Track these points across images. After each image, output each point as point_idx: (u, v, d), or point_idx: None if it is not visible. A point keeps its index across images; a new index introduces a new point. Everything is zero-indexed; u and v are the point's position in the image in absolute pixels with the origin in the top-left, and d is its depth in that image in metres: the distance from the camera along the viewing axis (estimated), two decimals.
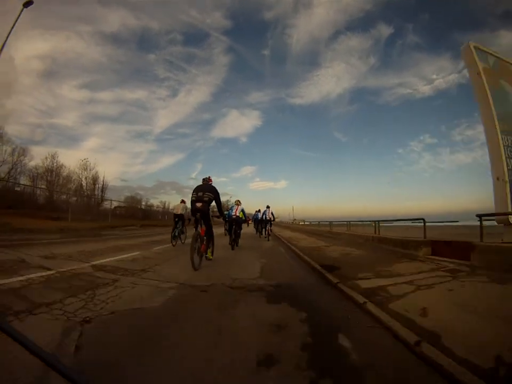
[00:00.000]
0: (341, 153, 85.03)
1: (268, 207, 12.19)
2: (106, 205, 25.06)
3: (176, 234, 7.85)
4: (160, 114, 75.48)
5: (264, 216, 12.21)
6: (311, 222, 32.14)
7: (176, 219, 8.09)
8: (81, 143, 65.92)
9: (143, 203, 31.78)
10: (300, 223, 39.26)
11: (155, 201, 56.73)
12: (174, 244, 7.62)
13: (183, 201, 8.60)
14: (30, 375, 1.20)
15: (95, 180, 26.06)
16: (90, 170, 25.57)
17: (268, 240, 11.10)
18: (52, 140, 48.99)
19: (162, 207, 35.90)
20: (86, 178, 25.51)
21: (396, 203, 79.71)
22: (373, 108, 72.52)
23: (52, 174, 23.06)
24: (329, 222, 15.93)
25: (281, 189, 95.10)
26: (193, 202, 4.72)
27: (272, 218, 12.03)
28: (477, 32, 58.37)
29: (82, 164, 25.43)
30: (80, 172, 25.24)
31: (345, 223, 14.66)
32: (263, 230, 12.56)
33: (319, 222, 24.27)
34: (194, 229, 4.69)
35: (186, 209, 8.28)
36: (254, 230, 14.45)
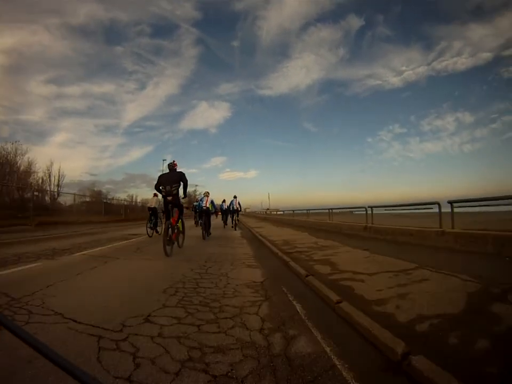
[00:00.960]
0: (311, 143, 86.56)
1: (235, 197, 11.77)
2: (67, 199, 21.54)
3: (152, 225, 8.44)
4: (129, 107, 72.21)
5: (231, 207, 11.78)
6: (284, 211, 27.46)
7: (150, 212, 8.62)
8: (49, 138, 64.51)
9: (104, 197, 27.48)
10: (275, 212, 35.54)
11: (123, 195, 52.63)
12: (150, 234, 8.23)
13: (155, 195, 8.89)
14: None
15: (30, 165, 21.69)
16: (22, 155, 21.05)
17: (235, 229, 11.25)
18: (19, 136, 46.99)
19: (130, 200, 32.24)
20: (18, 165, 21.04)
21: (367, 191, 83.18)
22: (342, 98, 74.71)
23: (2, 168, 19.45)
24: (355, 208, 10.41)
25: (251, 178, 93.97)
26: (164, 197, 5.10)
27: (239, 209, 11.84)
28: (447, 25, 58.55)
29: (13, 147, 20.49)
30: (12, 157, 20.78)
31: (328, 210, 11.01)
32: (231, 220, 12.17)
33: (293, 211, 19.88)
34: (166, 220, 5.05)
35: (159, 203, 8.53)
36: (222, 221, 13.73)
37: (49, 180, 23.90)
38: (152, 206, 8.62)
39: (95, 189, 28.16)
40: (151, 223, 8.36)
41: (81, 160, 58.79)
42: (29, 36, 48.55)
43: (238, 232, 10.34)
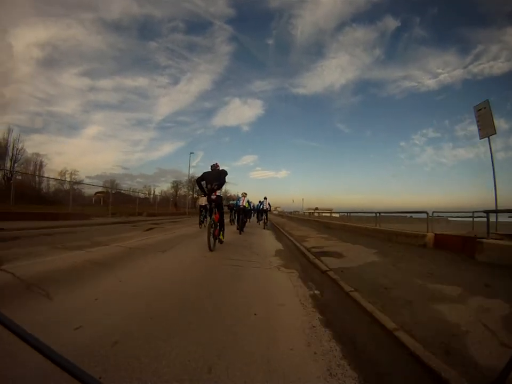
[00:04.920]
0: (344, 145, 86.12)
1: (265, 198, 13.89)
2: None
3: (202, 220, 11.03)
4: (161, 102, 78.95)
5: (262, 206, 14.00)
6: (339, 213, 18.50)
7: (202, 209, 11.19)
8: (81, 130, 72.36)
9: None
10: (318, 213, 24.23)
11: (142, 188, 57.28)
12: (200, 227, 10.87)
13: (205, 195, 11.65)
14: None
15: None
16: None
17: (264, 228, 13.00)
18: (51, 128, 54.09)
19: (147, 193, 32.39)
20: None
21: (395, 196, 79.36)
22: (376, 100, 77.84)
23: None
24: None
25: (282, 178, 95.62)
26: (208, 195, 5.68)
27: (268, 208, 13.82)
28: (483, 28, 60.54)
29: None
30: None
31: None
32: (261, 218, 14.51)
33: (348, 213, 14.57)
34: (209, 217, 5.66)
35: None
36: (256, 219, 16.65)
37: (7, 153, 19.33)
38: (203, 204, 10.63)
39: (116, 183, 30.05)
40: (201, 218, 11.14)
41: (113, 153, 65.93)
42: (63, 29, 54.82)
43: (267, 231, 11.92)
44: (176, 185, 40.87)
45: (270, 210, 14.26)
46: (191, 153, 32.83)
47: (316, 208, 39.35)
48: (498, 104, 62.30)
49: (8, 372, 1.33)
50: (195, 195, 40.34)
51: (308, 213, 32.70)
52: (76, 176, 26.58)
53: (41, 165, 26.76)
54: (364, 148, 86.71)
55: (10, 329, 0.50)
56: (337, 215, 18.75)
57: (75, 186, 19.11)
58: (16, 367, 1.34)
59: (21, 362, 1.34)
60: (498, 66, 55.33)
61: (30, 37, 52.43)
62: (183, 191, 40.79)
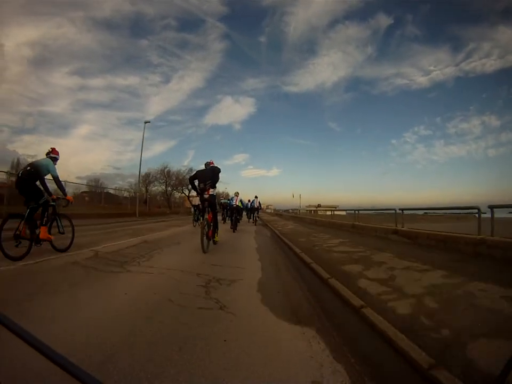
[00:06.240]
0: (335, 143, 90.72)
1: (256, 197, 14.77)
2: None
3: (196, 219, 11.47)
4: (152, 101, 77.59)
5: (252, 205, 14.92)
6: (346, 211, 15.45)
7: (195, 208, 11.93)
8: (72, 130, 73.10)
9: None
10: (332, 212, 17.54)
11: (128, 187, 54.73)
12: (194, 225, 11.40)
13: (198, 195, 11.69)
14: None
15: None
16: None
17: (255, 225, 14.08)
18: (42, 128, 54.19)
19: (132, 191, 29.43)
20: None
21: (387, 193, 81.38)
22: (368, 97, 78.02)
23: None
24: None
25: (273, 176, 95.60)
26: (200, 194, 5.62)
27: (259, 207, 15.02)
28: (475, 26, 61.80)
29: None
30: None
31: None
32: (252, 216, 15.61)
33: (356, 211, 11.12)
34: (202, 218, 5.75)
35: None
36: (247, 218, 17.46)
37: None
38: (196, 204, 11.24)
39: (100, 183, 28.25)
40: (195, 217, 11.69)
41: (104, 152, 65.36)
42: (54, 28, 54.25)
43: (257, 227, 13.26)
44: (145, 180, 34.20)
45: (261, 208, 15.89)
46: (145, 122, 23.84)
47: (319, 205, 35.28)
48: (490, 102, 64.68)
49: (8, 372, 1.37)
50: (169, 189, 36.71)
51: (305, 211, 28.95)
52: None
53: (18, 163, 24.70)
54: (355, 146, 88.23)
55: (10, 329, 0.50)
56: (343, 213, 16.15)
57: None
58: (16, 367, 1.37)
59: (21, 362, 1.37)
60: (490, 64, 57.74)
61: (20, 36, 51.94)
62: (155, 186, 35.89)
